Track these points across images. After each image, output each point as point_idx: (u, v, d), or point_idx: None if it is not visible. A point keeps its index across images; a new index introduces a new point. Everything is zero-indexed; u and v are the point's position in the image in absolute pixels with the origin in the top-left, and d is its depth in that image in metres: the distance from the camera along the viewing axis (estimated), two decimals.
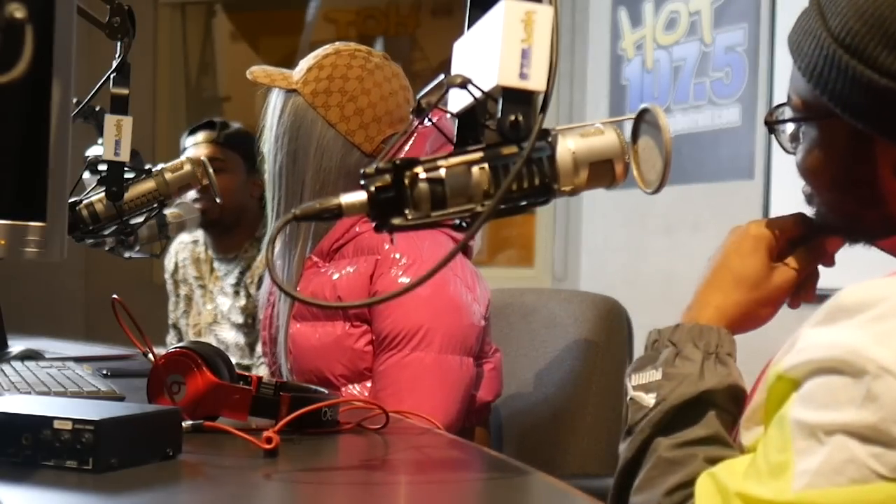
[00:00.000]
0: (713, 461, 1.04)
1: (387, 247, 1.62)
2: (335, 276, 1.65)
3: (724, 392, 1.09)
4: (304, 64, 1.75)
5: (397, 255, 1.61)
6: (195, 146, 2.90)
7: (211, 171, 1.95)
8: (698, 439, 1.07)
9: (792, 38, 1.11)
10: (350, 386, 1.65)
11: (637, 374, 1.14)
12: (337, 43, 1.77)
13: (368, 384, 1.65)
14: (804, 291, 1.19)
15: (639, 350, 1.95)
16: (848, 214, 1.11)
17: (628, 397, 1.14)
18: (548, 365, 1.93)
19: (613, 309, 1.92)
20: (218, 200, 2.61)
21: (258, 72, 1.75)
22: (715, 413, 1.08)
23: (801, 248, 1.17)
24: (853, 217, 1.10)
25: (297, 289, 1.68)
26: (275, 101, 1.74)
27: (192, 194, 2.71)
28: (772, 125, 1.16)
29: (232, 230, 2.90)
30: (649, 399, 1.11)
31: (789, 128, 1.15)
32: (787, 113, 1.14)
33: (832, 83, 1.04)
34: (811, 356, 0.92)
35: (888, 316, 0.89)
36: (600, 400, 1.87)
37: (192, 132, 2.96)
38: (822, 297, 0.99)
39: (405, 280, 1.59)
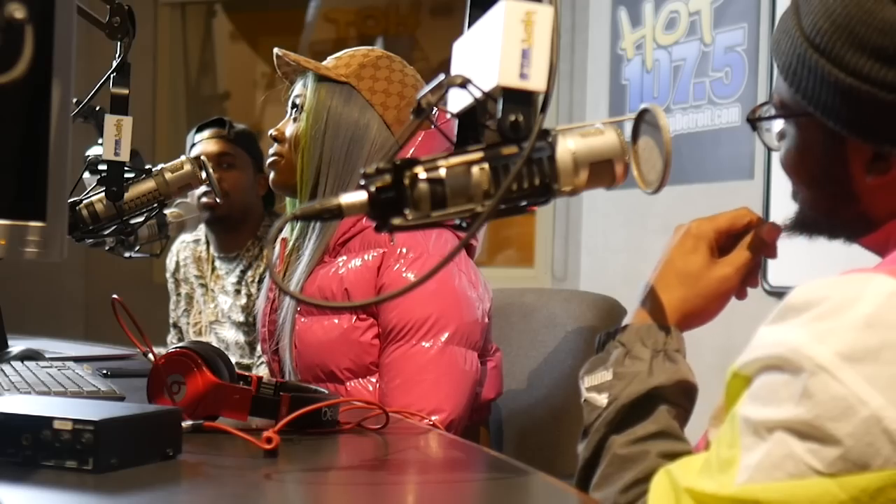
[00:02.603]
0: (666, 455, 1.07)
1: (392, 241, 1.63)
2: (342, 271, 1.66)
3: (674, 387, 1.12)
4: (347, 60, 1.74)
5: (403, 249, 1.62)
6: (205, 142, 2.90)
7: (210, 170, 1.95)
8: (650, 434, 1.10)
9: (773, 38, 1.13)
10: (355, 380, 1.65)
11: (589, 376, 1.17)
12: (371, 48, 1.78)
13: (373, 379, 1.65)
14: (749, 281, 1.20)
15: None
16: (825, 211, 1.12)
17: (582, 399, 1.17)
18: (548, 365, 1.93)
19: (613, 309, 1.93)
20: (218, 200, 2.62)
21: (293, 55, 1.74)
22: (665, 408, 1.11)
23: (741, 241, 1.19)
24: (830, 213, 1.12)
25: (304, 284, 1.69)
26: (316, 87, 1.72)
27: (200, 190, 2.71)
28: (754, 122, 1.18)
29: (237, 228, 2.91)
30: (602, 399, 1.14)
31: (776, 126, 1.16)
32: (770, 111, 1.16)
33: (805, 82, 1.06)
34: (759, 354, 0.94)
35: (829, 315, 0.90)
36: None
37: (200, 129, 2.96)
38: None
39: (410, 274, 1.61)
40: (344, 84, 1.71)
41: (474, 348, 1.66)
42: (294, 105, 1.76)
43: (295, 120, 1.75)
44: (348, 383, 1.65)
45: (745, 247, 1.19)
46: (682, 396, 1.13)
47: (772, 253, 1.20)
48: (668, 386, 1.12)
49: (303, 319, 1.70)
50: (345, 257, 1.68)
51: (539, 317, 2.00)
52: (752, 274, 1.20)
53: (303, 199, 1.73)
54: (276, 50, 1.76)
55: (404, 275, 1.61)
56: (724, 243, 1.20)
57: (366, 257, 1.65)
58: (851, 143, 1.05)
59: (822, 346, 0.88)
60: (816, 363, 0.88)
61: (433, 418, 1.55)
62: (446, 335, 1.61)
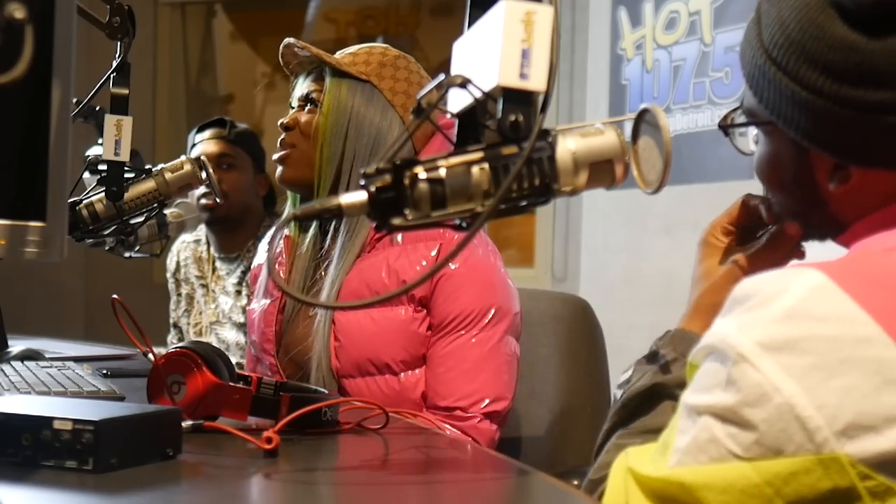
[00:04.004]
0: None
1: (447, 234, 1.65)
2: (392, 262, 1.66)
3: (684, 386, 1.12)
4: (370, 58, 1.73)
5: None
6: (205, 143, 2.90)
7: (210, 170, 1.95)
8: (648, 429, 1.13)
9: (741, 46, 1.15)
10: (407, 372, 1.65)
11: (622, 375, 1.22)
12: (385, 46, 1.78)
13: (419, 370, 1.66)
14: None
15: (638, 349, 1.99)
16: (796, 214, 1.15)
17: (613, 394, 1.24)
18: (529, 363, 1.94)
19: (584, 306, 2.00)
20: (218, 200, 2.62)
21: (314, 48, 1.72)
22: (672, 405, 1.13)
23: (767, 236, 1.20)
24: (801, 216, 1.14)
25: (344, 280, 1.68)
26: (337, 83, 1.70)
27: (199, 191, 2.72)
28: (725, 129, 1.20)
29: (237, 228, 2.91)
30: (619, 394, 1.20)
31: (752, 130, 1.18)
32: (741, 117, 1.18)
33: (766, 93, 1.08)
34: (703, 343, 0.98)
35: (756, 306, 0.93)
36: (590, 392, 1.90)
37: (201, 129, 2.96)
38: None
39: (455, 265, 1.64)
40: (365, 82, 1.71)
41: (519, 337, 1.71)
42: (309, 99, 1.73)
43: (310, 113, 1.73)
44: (401, 374, 1.65)
45: (764, 240, 1.20)
46: None
47: (797, 253, 1.20)
48: (675, 384, 1.13)
49: (348, 314, 1.68)
50: (388, 250, 1.67)
51: None
52: (773, 261, 1.20)
53: (321, 196, 1.70)
54: (288, 39, 1.73)
55: (452, 267, 1.64)
56: (749, 227, 1.22)
57: (419, 248, 1.65)
58: (814, 153, 1.06)
59: (744, 335, 0.92)
60: (738, 352, 0.91)
61: (463, 414, 1.58)
62: (504, 325, 1.66)
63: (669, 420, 1.11)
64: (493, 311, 1.64)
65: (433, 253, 1.65)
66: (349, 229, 1.71)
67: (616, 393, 1.20)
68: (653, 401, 1.15)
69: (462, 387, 1.61)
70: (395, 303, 1.66)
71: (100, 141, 1.82)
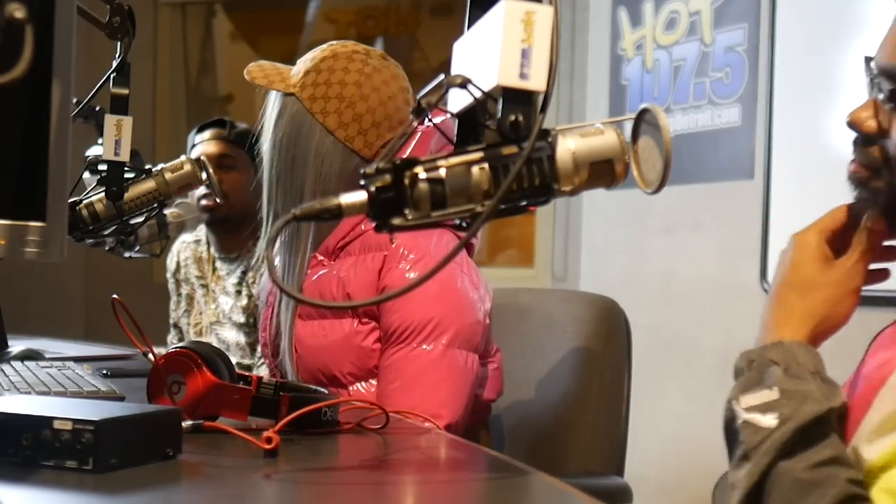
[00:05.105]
0: (854, 482, 1.01)
1: (394, 244, 1.62)
2: (342, 274, 1.66)
3: (840, 410, 1.07)
4: (302, 66, 1.74)
5: (405, 251, 1.62)
6: (205, 143, 2.90)
7: (210, 170, 1.95)
8: (830, 459, 1.03)
9: None
10: (358, 384, 1.65)
11: (746, 396, 1.09)
12: (335, 43, 1.76)
13: (375, 382, 1.65)
14: (873, 275, 1.18)
15: (638, 349, 1.96)
16: None
17: (740, 420, 1.09)
18: (547, 365, 1.93)
19: (611, 308, 1.93)
20: (218, 200, 2.62)
21: (255, 71, 1.75)
22: (835, 432, 1.06)
23: (855, 237, 1.15)
24: None
25: (303, 288, 1.68)
26: (273, 102, 1.74)
27: (200, 191, 2.72)
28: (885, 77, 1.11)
29: (237, 229, 2.91)
30: (768, 420, 1.07)
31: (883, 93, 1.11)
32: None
33: None
34: None
35: None
36: (601, 399, 1.88)
37: (201, 130, 2.96)
38: None
39: (413, 275, 1.60)
40: (289, 96, 1.72)
41: (475, 350, 1.65)
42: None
43: None
44: (351, 387, 1.65)
45: (856, 243, 1.15)
46: (839, 421, 1.08)
47: (880, 247, 1.15)
48: (837, 408, 1.06)
49: (303, 324, 1.69)
50: (344, 261, 1.68)
51: (534, 317, 2.00)
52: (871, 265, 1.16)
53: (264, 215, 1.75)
54: (245, 73, 1.76)
55: (407, 276, 1.60)
56: (836, 245, 1.17)
57: (366, 260, 1.65)
58: None
59: None
60: None
61: (427, 425, 1.55)
62: (448, 338, 1.60)
63: (840, 449, 1.03)
64: (431, 325, 1.59)
65: (377, 263, 1.63)
66: (315, 235, 1.72)
67: (759, 417, 1.07)
68: (822, 429, 1.05)
69: (398, 401, 1.55)
70: (339, 315, 1.65)
71: (100, 141, 1.82)
